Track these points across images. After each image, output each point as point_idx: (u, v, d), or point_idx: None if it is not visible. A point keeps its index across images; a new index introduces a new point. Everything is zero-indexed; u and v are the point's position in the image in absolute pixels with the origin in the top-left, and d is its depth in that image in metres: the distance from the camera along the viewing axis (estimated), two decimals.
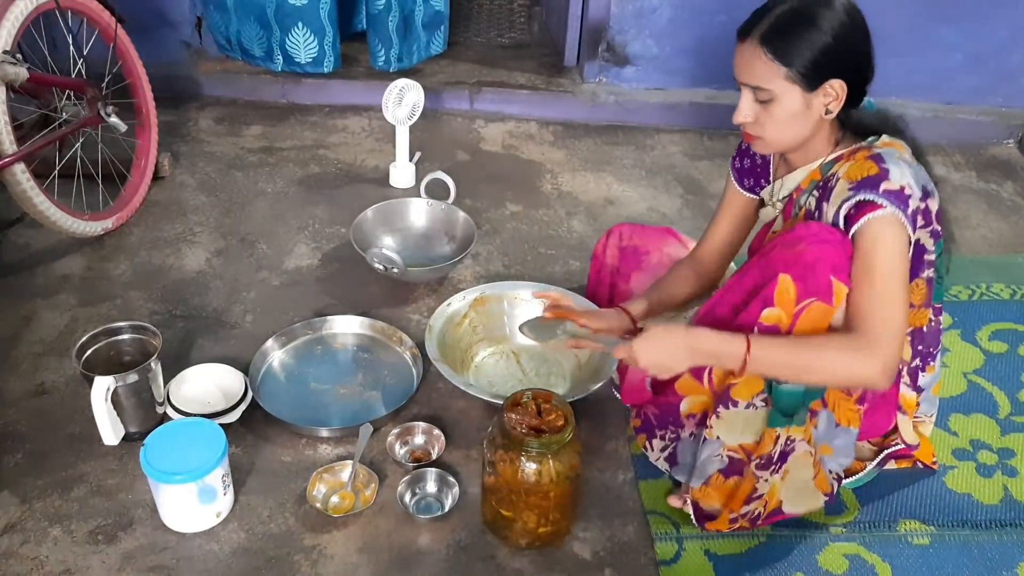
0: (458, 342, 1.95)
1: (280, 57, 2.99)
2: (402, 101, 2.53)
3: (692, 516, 1.61)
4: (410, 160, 2.65)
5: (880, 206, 1.37)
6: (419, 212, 2.38)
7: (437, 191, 2.47)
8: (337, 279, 2.23)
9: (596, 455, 1.77)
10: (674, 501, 1.66)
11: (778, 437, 1.50)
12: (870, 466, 1.68)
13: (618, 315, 1.73)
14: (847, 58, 1.41)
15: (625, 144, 2.96)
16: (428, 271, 2.15)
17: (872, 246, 1.39)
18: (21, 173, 2.00)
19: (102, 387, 1.60)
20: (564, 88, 3.10)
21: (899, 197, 1.37)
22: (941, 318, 1.60)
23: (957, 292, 2.27)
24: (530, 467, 1.46)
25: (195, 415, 1.68)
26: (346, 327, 2.03)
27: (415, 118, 2.58)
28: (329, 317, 2.03)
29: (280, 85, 3.04)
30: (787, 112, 1.43)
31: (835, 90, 1.41)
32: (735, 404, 1.50)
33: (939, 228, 1.49)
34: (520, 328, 1.72)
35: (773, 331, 1.42)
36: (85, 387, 1.71)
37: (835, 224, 1.43)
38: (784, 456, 1.53)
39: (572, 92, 3.08)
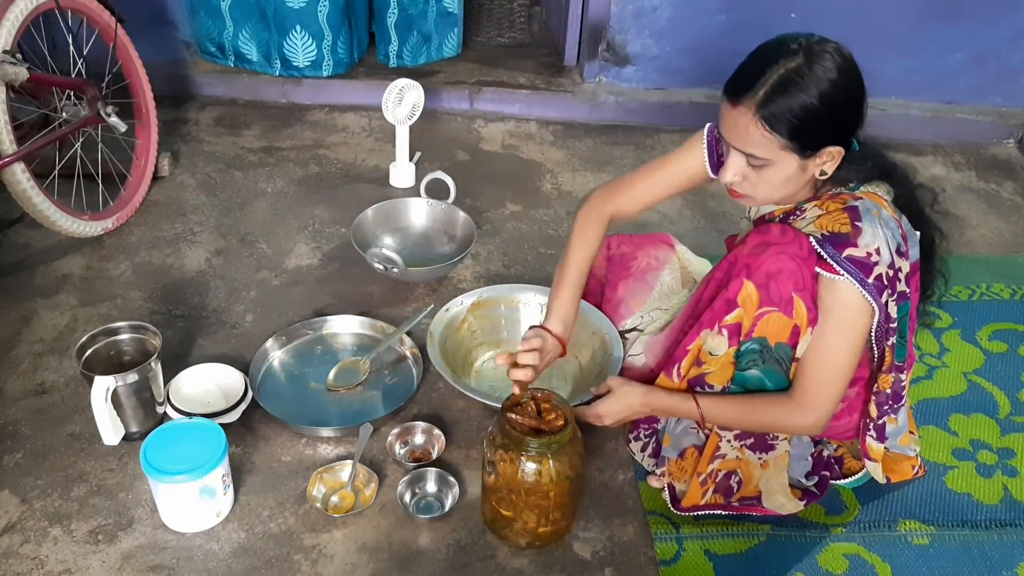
0: (459, 347, 1.94)
1: (278, 61, 3.00)
2: (402, 101, 2.53)
3: (667, 500, 1.63)
4: (410, 160, 2.65)
5: (837, 272, 1.36)
6: (419, 212, 2.38)
7: (437, 191, 2.47)
8: (337, 279, 2.23)
9: (596, 455, 1.77)
10: (653, 481, 1.68)
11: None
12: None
13: (553, 345, 1.65)
14: (843, 123, 1.37)
15: (625, 144, 2.96)
16: (428, 271, 2.15)
17: (833, 312, 1.39)
18: (21, 173, 2.00)
19: (102, 387, 1.61)
20: (564, 88, 3.10)
21: (862, 266, 1.35)
22: (904, 375, 1.54)
23: (957, 292, 2.27)
24: (530, 467, 1.46)
25: (195, 415, 1.68)
26: (346, 327, 2.03)
27: (415, 118, 2.58)
28: (329, 317, 2.03)
29: (280, 85, 3.04)
30: (782, 176, 1.39)
31: (832, 154, 1.38)
32: (711, 387, 1.54)
33: (907, 290, 1.45)
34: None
35: (735, 329, 1.45)
36: (85, 387, 1.71)
37: None
38: (766, 446, 1.57)
39: (572, 92, 3.08)
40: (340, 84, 3.05)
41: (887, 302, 1.40)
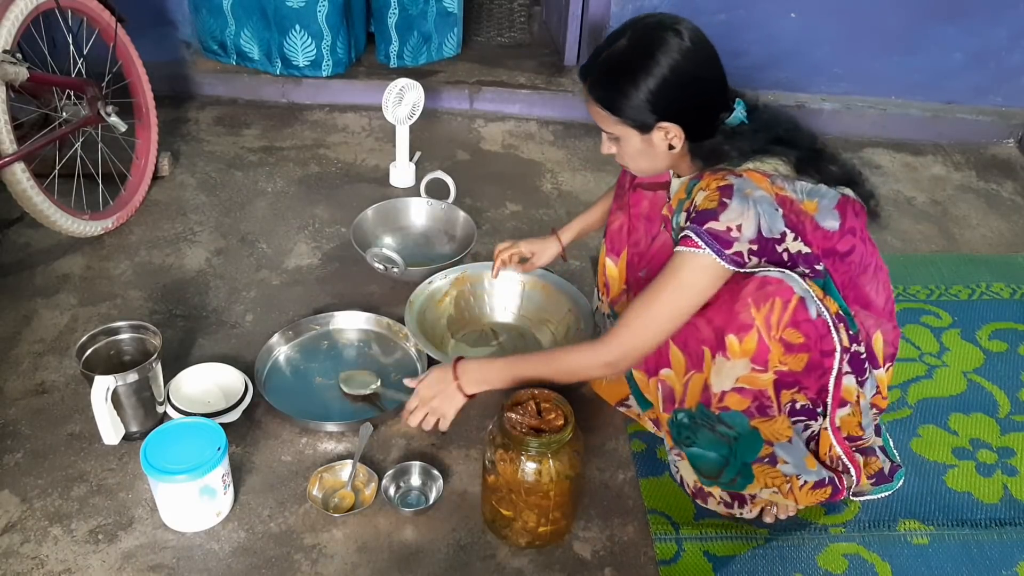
0: (438, 319, 2.00)
1: (279, 60, 3.00)
2: (402, 100, 2.54)
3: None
4: (410, 160, 2.65)
5: (698, 246, 1.38)
6: (419, 212, 2.39)
7: (437, 191, 2.47)
8: (337, 278, 2.23)
9: (596, 455, 1.77)
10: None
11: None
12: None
13: (550, 240, 1.95)
14: (670, 103, 1.40)
15: None
16: (428, 271, 2.15)
17: (672, 274, 1.41)
18: (21, 172, 2.00)
19: (102, 387, 1.61)
20: (564, 88, 3.10)
21: (719, 239, 1.37)
22: (862, 346, 1.50)
23: (957, 292, 2.27)
24: (530, 467, 1.46)
25: (195, 414, 1.68)
26: (352, 323, 2.04)
27: (415, 117, 2.58)
28: (336, 313, 2.04)
29: (280, 85, 3.04)
30: (633, 149, 1.47)
31: (670, 130, 1.41)
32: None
33: (818, 267, 1.42)
34: (341, 381, 1.88)
35: (669, 395, 1.52)
36: (85, 386, 1.71)
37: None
38: (750, 499, 1.58)
39: (572, 92, 3.08)
40: (340, 84, 3.05)
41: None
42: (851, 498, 1.67)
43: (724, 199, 1.38)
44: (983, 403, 1.94)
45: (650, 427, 1.78)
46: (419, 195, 2.44)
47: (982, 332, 2.14)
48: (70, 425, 1.77)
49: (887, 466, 1.71)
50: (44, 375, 1.89)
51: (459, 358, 1.61)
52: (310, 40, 2.94)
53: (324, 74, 3.02)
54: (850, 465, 1.56)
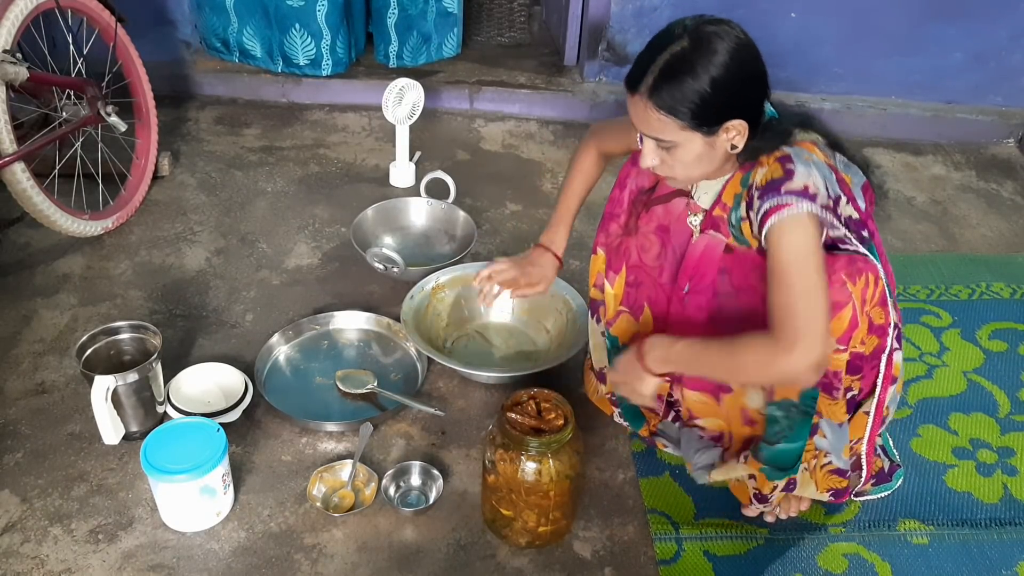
0: (428, 330, 1.99)
1: (280, 58, 3.00)
2: (402, 100, 2.54)
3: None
4: (410, 159, 2.65)
5: (785, 204, 1.34)
6: (419, 211, 2.39)
7: (437, 190, 2.47)
8: (337, 278, 2.23)
9: (596, 454, 1.77)
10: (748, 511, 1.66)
11: (776, 486, 1.55)
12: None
13: (548, 261, 1.83)
14: (737, 98, 1.36)
15: None
16: (428, 271, 2.15)
17: (781, 247, 1.34)
18: (21, 172, 2.00)
19: (102, 386, 1.61)
20: (564, 87, 3.10)
21: (803, 195, 1.34)
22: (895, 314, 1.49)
23: (957, 291, 2.27)
24: (530, 466, 1.46)
25: (195, 414, 1.68)
26: (352, 322, 2.04)
27: (415, 117, 2.58)
28: (335, 312, 2.04)
29: (280, 85, 3.04)
30: (692, 155, 1.40)
31: (736, 128, 1.38)
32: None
33: (864, 234, 1.42)
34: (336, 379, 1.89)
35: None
36: (85, 386, 1.71)
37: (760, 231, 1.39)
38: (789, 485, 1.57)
39: (572, 91, 3.08)
40: (340, 83, 3.05)
41: (837, 234, 1.39)
42: (852, 498, 1.67)
43: (787, 166, 1.37)
44: (983, 403, 1.94)
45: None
46: (419, 195, 2.44)
47: (982, 332, 2.14)
48: (70, 425, 1.77)
49: (887, 465, 1.71)
50: (44, 375, 1.89)
51: (642, 339, 1.51)
52: (309, 39, 2.94)
53: (324, 73, 3.02)
54: (865, 466, 1.57)
